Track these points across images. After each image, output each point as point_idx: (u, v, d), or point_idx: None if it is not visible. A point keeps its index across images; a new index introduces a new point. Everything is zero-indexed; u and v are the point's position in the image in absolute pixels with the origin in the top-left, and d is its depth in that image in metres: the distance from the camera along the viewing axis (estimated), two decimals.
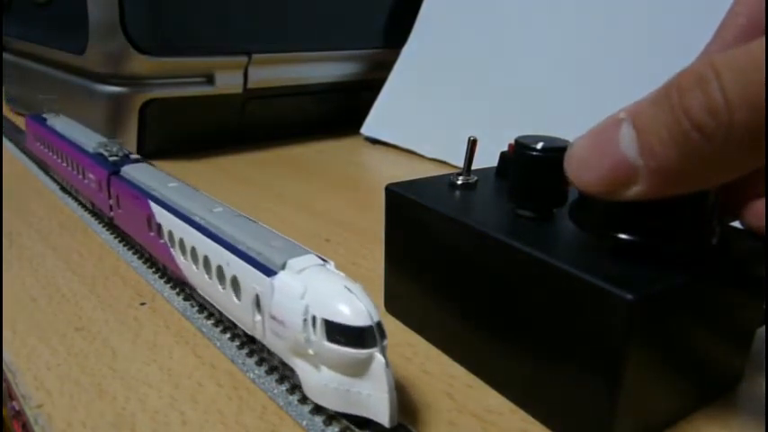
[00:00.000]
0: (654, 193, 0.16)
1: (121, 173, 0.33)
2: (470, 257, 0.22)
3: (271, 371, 0.23)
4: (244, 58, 0.52)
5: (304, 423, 0.20)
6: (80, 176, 0.38)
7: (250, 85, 0.53)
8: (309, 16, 0.55)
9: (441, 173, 0.27)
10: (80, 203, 0.40)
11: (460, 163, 0.26)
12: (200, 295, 0.26)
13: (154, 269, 0.31)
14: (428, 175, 0.27)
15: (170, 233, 0.27)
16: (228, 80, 0.52)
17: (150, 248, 0.30)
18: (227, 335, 0.25)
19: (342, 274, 0.20)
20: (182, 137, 0.53)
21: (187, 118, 0.52)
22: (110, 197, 0.33)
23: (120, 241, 0.34)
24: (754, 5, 0.20)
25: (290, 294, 0.19)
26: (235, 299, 0.23)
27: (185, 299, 0.28)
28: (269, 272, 0.21)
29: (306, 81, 0.57)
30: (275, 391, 0.22)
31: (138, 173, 0.32)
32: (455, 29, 0.56)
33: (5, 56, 0.65)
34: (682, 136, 0.15)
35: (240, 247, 0.23)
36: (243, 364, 0.23)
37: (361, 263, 0.33)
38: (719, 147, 0.15)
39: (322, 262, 0.21)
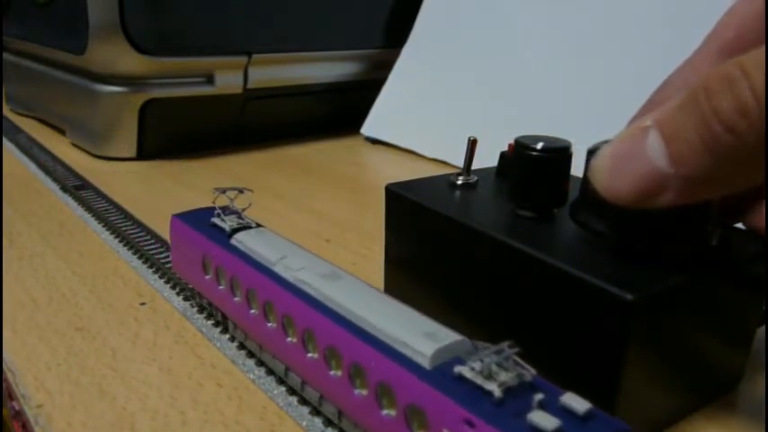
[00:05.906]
0: (684, 199, 0.16)
1: None
2: (470, 258, 0.22)
3: (270, 371, 0.23)
4: (244, 58, 0.52)
5: (304, 424, 0.20)
6: (367, 398, 0.17)
7: (250, 85, 0.53)
8: (309, 16, 0.55)
9: (441, 173, 0.27)
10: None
11: (460, 163, 0.26)
12: None
13: (154, 269, 0.31)
14: (428, 175, 0.27)
15: None
16: (228, 80, 0.52)
17: None
18: (227, 335, 0.25)
19: None
20: (182, 137, 0.53)
21: (187, 118, 0.52)
22: None
23: (120, 241, 0.34)
24: (745, 20, 0.20)
25: None
26: None
27: (185, 299, 0.28)
28: None
29: (306, 81, 0.57)
30: (275, 391, 0.22)
31: None
32: (455, 29, 0.56)
33: (5, 56, 0.65)
34: (713, 140, 0.15)
35: None
36: (243, 364, 0.23)
37: (361, 263, 0.33)
38: (752, 148, 0.14)
39: None
